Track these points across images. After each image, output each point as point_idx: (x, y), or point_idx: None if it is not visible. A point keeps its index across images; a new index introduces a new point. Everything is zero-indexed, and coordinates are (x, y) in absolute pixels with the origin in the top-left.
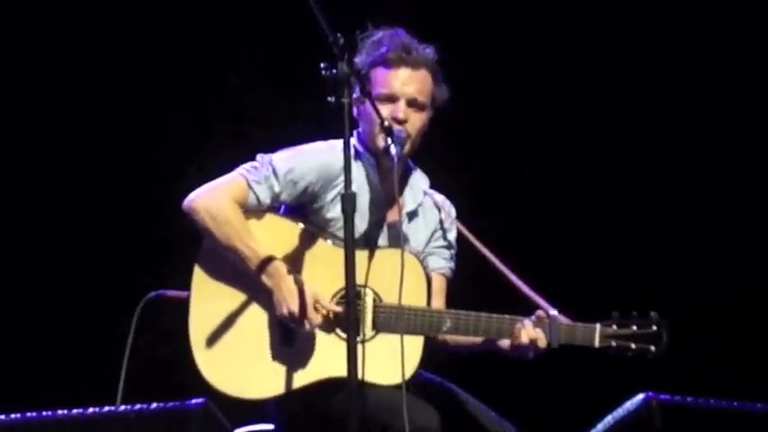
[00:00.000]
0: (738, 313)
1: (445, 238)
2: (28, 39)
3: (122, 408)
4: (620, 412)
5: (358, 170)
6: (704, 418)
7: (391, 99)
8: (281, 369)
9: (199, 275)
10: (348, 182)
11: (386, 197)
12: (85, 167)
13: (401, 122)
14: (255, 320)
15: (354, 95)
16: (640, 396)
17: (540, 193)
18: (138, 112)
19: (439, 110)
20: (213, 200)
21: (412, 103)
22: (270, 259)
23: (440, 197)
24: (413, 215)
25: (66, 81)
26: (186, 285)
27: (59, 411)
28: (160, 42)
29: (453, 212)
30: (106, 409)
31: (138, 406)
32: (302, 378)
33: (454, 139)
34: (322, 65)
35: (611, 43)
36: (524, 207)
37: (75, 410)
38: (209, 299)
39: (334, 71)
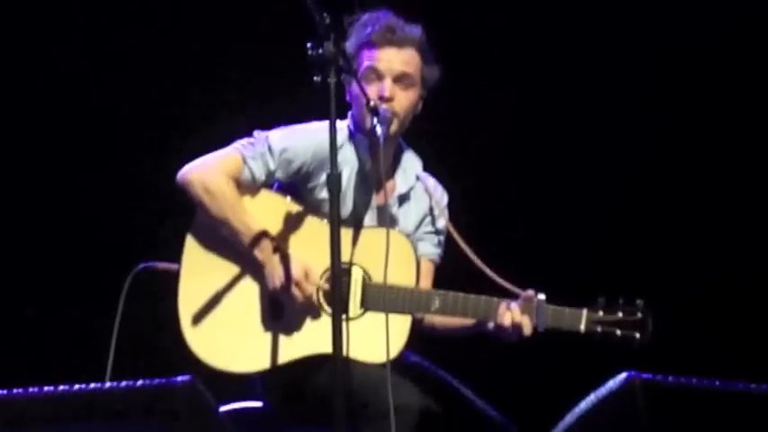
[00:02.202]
0: (720, 294)
1: (434, 224)
2: (22, 38)
3: (107, 385)
4: (602, 391)
5: (351, 151)
6: (686, 397)
7: (378, 77)
8: (268, 343)
9: (190, 248)
10: (334, 161)
11: (377, 178)
12: (74, 139)
13: (388, 100)
14: (245, 295)
15: (343, 76)
16: (623, 375)
17: (529, 184)
18: (131, 85)
19: (431, 91)
20: (208, 173)
21: (398, 80)
22: (262, 234)
23: (432, 182)
24: (404, 199)
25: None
26: (177, 258)
27: (45, 388)
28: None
29: (445, 199)
30: (91, 386)
31: (123, 383)
32: (289, 353)
33: (442, 133)
34: (308, 44)
35: (595, 44)
36: (513, 196)
37: (60, 387)
38: (199, 272)
39: (321, 51)
